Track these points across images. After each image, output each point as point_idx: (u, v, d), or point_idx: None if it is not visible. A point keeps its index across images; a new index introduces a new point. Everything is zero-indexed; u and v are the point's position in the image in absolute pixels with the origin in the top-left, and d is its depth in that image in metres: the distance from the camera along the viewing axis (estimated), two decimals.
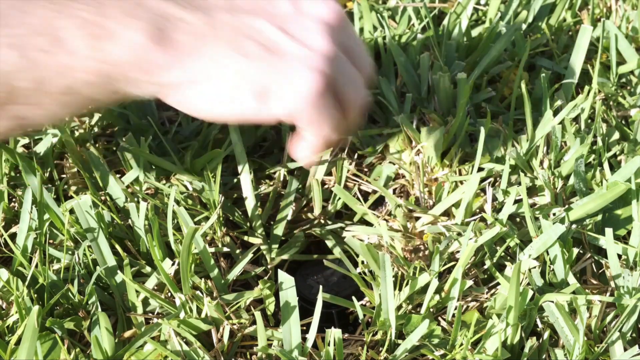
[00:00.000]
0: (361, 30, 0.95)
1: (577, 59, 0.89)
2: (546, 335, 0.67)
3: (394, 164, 0.86)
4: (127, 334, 0.68)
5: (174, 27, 0.56)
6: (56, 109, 0.58)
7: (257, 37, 0.57)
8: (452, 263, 0.72)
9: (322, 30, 0.58)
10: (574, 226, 0.73)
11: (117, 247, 0.71)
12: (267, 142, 0.87)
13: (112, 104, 0.67)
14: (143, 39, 0.55)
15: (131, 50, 0.55)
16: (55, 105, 0.57)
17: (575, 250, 0.71)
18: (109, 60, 0.55)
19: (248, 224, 0.79)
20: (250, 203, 0.79)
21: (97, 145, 0.84)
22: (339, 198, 0.81)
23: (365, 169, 0.87)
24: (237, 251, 0.77)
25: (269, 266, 0.77)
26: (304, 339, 0.65)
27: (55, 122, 0.62)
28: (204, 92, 0.58)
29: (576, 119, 0.85)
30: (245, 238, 0.78)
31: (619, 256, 0.73)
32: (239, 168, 0.79)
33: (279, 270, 0.66)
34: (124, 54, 0.55)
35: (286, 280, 0.65)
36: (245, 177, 0.79)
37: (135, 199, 0.77)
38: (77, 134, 0.85)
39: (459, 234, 0.76)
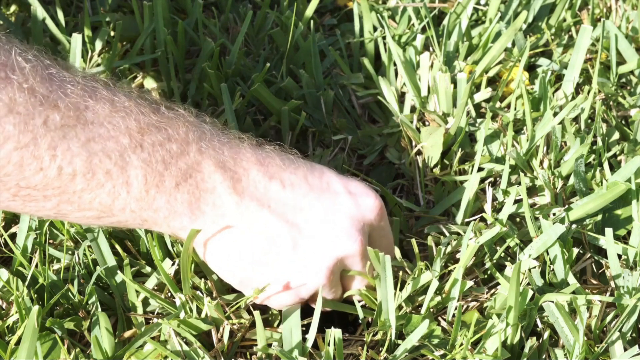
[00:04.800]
0: (361, 30, 0.95)
1: (577, 59, 0.88)
2: (546, 335, 0.67)
3: (394, 164, 0.87)
4: (127, 334, 0.68)
5: (211, 204, 0.62)
6: (86, 221, 0.62)
7: (274, 240, 0.63)
8: (453, 264, 0.72)
9: (359, 229, 0.65)
10: (574, 226, 0.73)
11: (117, 247, 0.71)
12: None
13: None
14: (184, 206, 0.61)
15: (170, 210, 0.61)
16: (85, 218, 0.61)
17: (575, 250, 0.71)
18: (152, 208, 0.60)
19: None
20: None
21: None
22: None
23: (365, 169, 0.87)
24: None
25: None
26: (304, 339, 0.65)
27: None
28: (219, 260, 0.65)
29: (576, 119, 0.85)
30: None
31: (619, 256, 0.73)
32: None
33: None
34: (165, 210, 0.61)
35: None
36: None
37: None
38: None
39: (459, 234, 0.76)
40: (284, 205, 0.64)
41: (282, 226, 0.63)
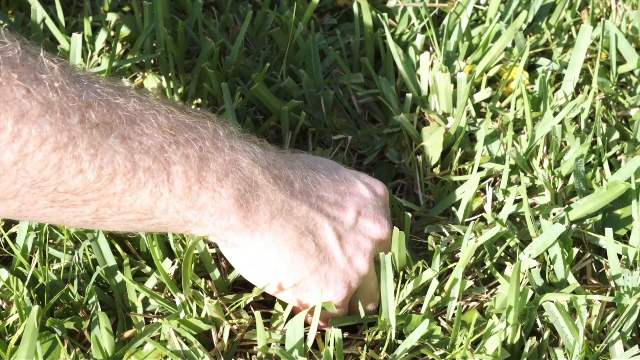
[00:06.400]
0: (361, 30, 0.95)
1: (577, 59, 0.89)
2: (546, 335, 0.67)
3: (394, 164, 0.87)
4: (127, 334, 0.68)
5: (257, 198, 0.62)
6: (125, 228, 0.61)
7: (317, 235, 0.65)
8: (453, 263, 0.72)
9: (366, 249, 0.67)
10: (574, 226, 0.73)
11: (117, 247, 0.71)
12: None
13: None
14: (230, 202, 0.60)
15: (216, 208, 0.60)
16: (125, 225, 0.60)
17: (575, 250, 0.71)
18: (197, 206, 0.59)
19: None
20: None
21: None
22: None
23: (365, 169, 0.87)
24: None
25: None
26: (304, 339, 0.65)
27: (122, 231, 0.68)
28: (256, 264, 0.64)
29: (576, 119, 0.85)
30: None
31: (619, 256, 0.73)
32: None
33: None
34: (211, 207, 0.60)
35: None
36: None
37: None
38: None
39: (459, 234, 0.76)
40: (322, 202, 0.65)
41: (327, 223, 0.65)
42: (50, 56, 0.54)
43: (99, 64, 0.93)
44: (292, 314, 0.66)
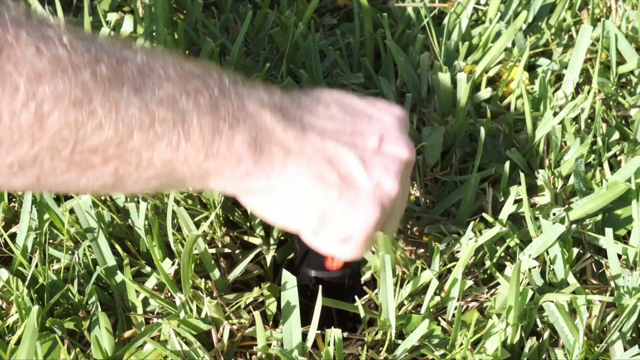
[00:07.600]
0: (361, 30, 0.95)
1: (577, 59, 0.89)
2: (546, 335, 0.67)
3: None
4: (127, 334, 0.68)
5: (269, 140, 0.60)
6: (145, 185, 0.59)
7: (338, 163, 0.63)
8: (453, 263, 0.72)
9: (395, 170, 0.64)
10: (574, 226, 0.73)
11: (117, 247, 0.71)
12: None
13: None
14: (244, 148, 0.59)
15: (232, 156, 0.59)
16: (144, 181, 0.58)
17: (575, 250, 0.71)
18: (214, 155, 0.58)
19: (248, 224, 0.79)
20: None
21: None
22: None
23: None
24: (237, 251, 0.77)
25: (267, 266, 0.77)
26: (304, 339, 0.64)
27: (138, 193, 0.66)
28: (278, 204, 0.63)
29: (576, 119, 0.85)
30: (245, 238, 0.78)
31: (619, 256, 0.73)
32: None
33: (283, 270, 0.65)
34: (227, 156, 0.59)
35: (289, 279, 0.65)
36: None
37: (135, 199, 0.77)
38: None
39: (459, 234, 0.76)
40: (338, 132, 0.64)
41: (346, 150, 0.63)
42: (50, 17, 0.54)
43: None
44: (288, 310, 0.66)
